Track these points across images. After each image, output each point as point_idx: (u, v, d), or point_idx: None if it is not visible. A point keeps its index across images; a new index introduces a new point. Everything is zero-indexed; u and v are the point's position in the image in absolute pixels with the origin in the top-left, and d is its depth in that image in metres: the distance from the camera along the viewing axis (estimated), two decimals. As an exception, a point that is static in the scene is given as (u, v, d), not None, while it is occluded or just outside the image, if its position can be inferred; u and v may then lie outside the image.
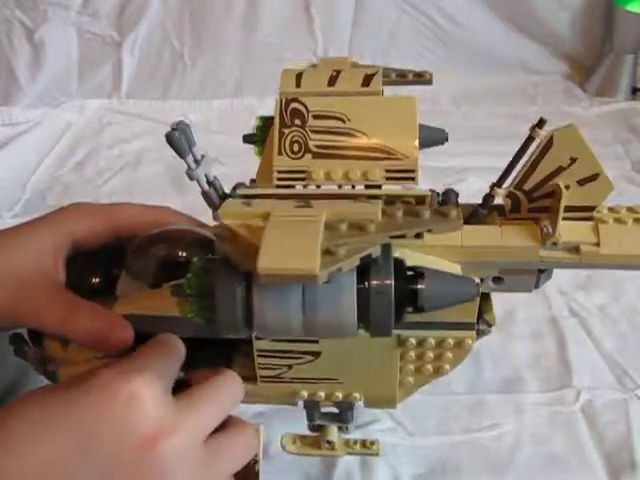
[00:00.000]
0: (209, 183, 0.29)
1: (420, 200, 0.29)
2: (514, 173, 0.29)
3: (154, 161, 0.90)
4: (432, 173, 0.90)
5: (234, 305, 0.24)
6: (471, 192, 0.82)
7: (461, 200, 0.81)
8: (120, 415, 0.25)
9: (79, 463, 0.24)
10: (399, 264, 0.26)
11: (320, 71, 0.32)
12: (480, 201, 0.31)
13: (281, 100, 0.31)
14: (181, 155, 0.26)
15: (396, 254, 0.26)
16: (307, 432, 0.41)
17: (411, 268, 0.26)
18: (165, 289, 0.31)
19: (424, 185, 0.87)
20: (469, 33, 1.07)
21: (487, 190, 0.30)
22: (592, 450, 0.54)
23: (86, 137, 0.95)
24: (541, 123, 0.27)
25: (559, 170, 0.27)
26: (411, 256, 0.27)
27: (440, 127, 0.34)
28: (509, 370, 0.60)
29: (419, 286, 0.26)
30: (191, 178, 0.27)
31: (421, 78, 0.35)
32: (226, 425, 0.29)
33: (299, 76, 0.32)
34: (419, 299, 0.26)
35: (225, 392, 0.29)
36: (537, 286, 0.30)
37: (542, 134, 0.27)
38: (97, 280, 0.34)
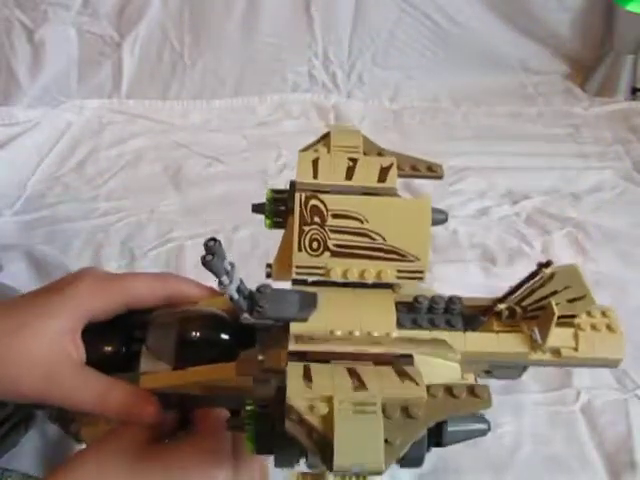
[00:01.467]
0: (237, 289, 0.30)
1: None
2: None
3: (154, 161, 0.90)
4: (432, 173, 0.90)
5: (293, 457, 0.30)
6: (471, 192, 0.84)
7: (461, 199, 0.82)
8: None
9: None
10: None
11: (335, 158, 0.34)
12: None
13: (300, 196, 0.32)
14: (218, 276, 0.28)
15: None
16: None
17: None
18: (188, 371, 0.34)
19: (425, 188, 0.87)
20: (469, 33, 1.07)
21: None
22: (592, 450, 0.54)
23: (86, 137, 0.95)
24: (548, 264, 0.30)
25: (554, 293, 0.31)
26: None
27: (441, 208, 0.36)
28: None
29: (444, 428, 0.31)
30: (224, 292, 0.29)
31: (432, 172, 0.37)
32: None
33: (315, 164, 0.33)
34: (442, 440, 0.32)
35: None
36: (520, 376, 0.35)
37: (547, 272, 0.30)
38: (117, 357, 0.36)
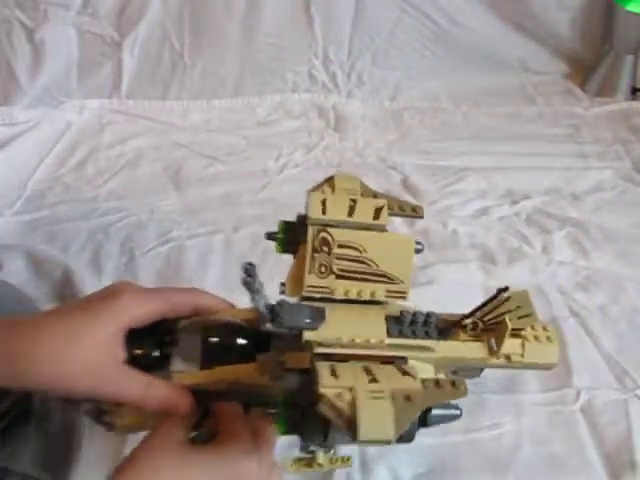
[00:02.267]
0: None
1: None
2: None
3: (154, 161, 0.91)
4: (432, 173, 0.91)
5: (317, 436, 0.39)
6: (471, 192, 0.84)
7: (461, 200, 0.82)
8: None
9: None
10: None
11: (339, 198, 0.41)
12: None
13: (313, 230, 0.40)
14: (253, 294, 0.35)
15: None
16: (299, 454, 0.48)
17: None
18: (215, 370, 0.41)
19: (425, 186, 0.87)
20: (469, 33, 1.07)
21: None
22: (592, 450, 0.54)
23: (86, 137, 0.95)
24: (505, 290, 0.38)
25: (508, 311, 0.40)
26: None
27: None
28: (509, 370, 0.60)
29: (428, 413, 0.41)
30: (254, 305, 0.36)
31: (415, 213, 0.45)
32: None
33: (324, 203, 0.40)
34: (427, 421, 0.41)
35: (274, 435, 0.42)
36: (479, 375, 0.45)
37: (505, 295, 0.39)
38: (151, 358, 0.42)
